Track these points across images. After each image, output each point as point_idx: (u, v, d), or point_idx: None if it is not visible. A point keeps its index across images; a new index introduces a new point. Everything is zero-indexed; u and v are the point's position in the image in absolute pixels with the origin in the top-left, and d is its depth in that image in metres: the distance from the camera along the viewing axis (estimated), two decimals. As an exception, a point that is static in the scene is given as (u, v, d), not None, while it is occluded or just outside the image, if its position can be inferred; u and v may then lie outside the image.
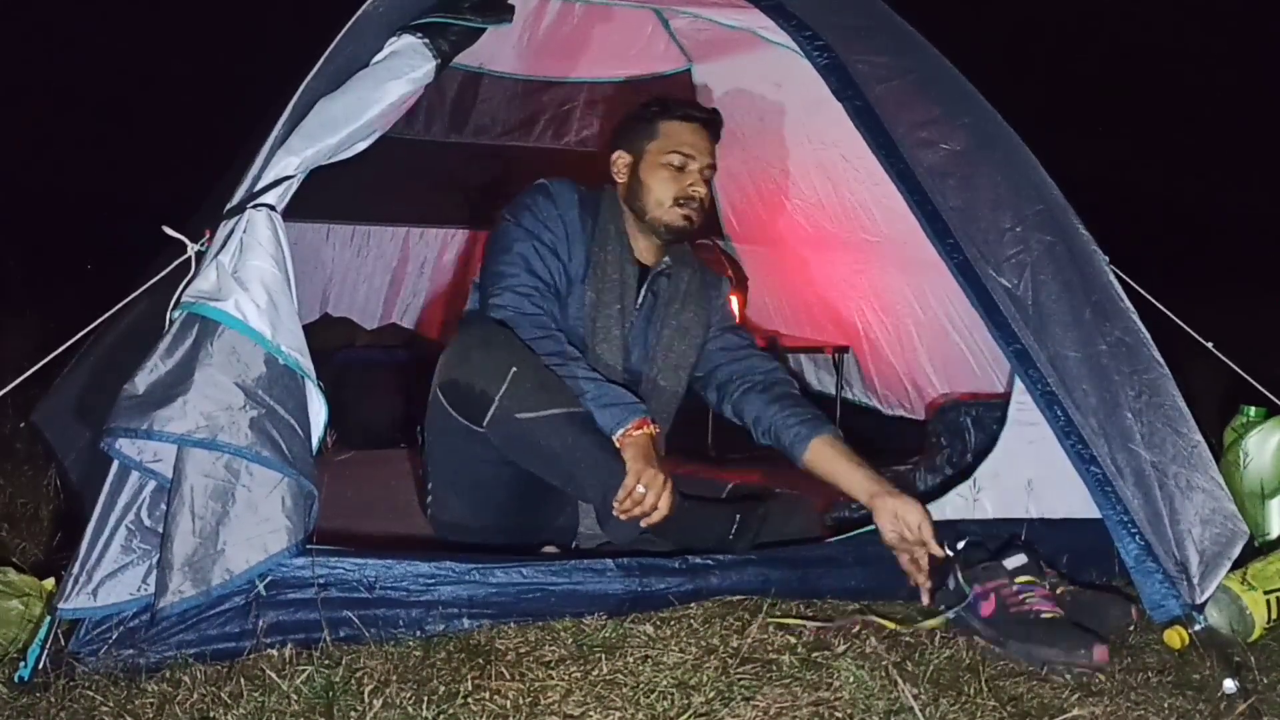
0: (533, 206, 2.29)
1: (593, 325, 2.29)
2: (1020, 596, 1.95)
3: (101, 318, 2.03)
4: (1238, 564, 2.10)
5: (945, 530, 2.18)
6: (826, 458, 2.23)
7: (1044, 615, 1.92)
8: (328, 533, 1.91)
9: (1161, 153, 12.29)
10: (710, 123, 2.37)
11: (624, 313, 2.32)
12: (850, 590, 2.09)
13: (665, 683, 1.69)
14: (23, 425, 3.06)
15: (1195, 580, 2.03)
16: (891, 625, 1.91)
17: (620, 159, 2.38)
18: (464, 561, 1.92)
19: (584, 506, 2.22)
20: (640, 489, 2.00)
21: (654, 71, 3.82)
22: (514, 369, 2.03)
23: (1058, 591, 2.02)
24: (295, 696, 1.62)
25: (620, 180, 2.38)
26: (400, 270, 4.26)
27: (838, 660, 1.78)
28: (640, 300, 2.36)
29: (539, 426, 2.03)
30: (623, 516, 2.02)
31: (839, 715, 1.63)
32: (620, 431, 2.06)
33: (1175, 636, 1.95)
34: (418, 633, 1.86)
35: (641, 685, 1.68)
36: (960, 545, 2.06)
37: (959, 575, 2.01)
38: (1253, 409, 2.66)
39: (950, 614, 1.96)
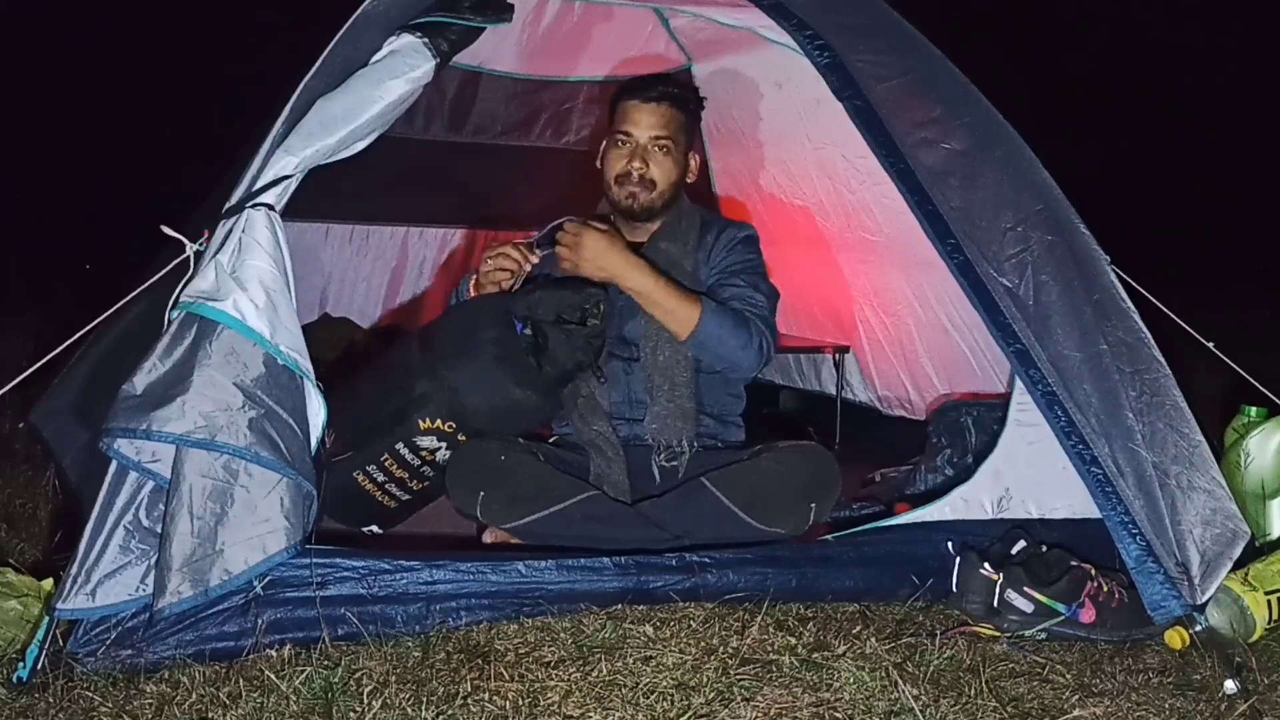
0: None
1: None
2: (1105, 587, 2.03)
3: (101, 317, 2.03)
4: (1239, 564, 2.09)
5: (946, 530, 2.18)
6: None
7: (1121, 593, 2.03)
8: (327, 533, 1.91)
9: (1161, 153, 12.27)
10: (661, 96, 2.32)
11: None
12: (849, 590, 2.09)
13: (665, 684, 1.69)
14: (22, 425, 3.05)
15: (1196, 581, 2.02)
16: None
17: (598, 147, 2.43)
18: (463, 560, 1.92)
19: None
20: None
21: (654, 71, 3.81)
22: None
23: (1115, 595, 2.05)
24: (294, 697, 1.62)
25: (599, 168, 2.42)
26: (400, 270, 4.26)
27: (838, 661, 1.78)
28: None
29: None
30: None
31: (839, 716, 1.62)
32: None
33: (1176, 637, 1.95)
34: (416, 628, 1.86)
35: (641, 686, 1.68)
36: (1015, 552, 2.08)
37: (1029, 592, 2.02)
38: (1254, 409, 2.65)
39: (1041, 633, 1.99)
